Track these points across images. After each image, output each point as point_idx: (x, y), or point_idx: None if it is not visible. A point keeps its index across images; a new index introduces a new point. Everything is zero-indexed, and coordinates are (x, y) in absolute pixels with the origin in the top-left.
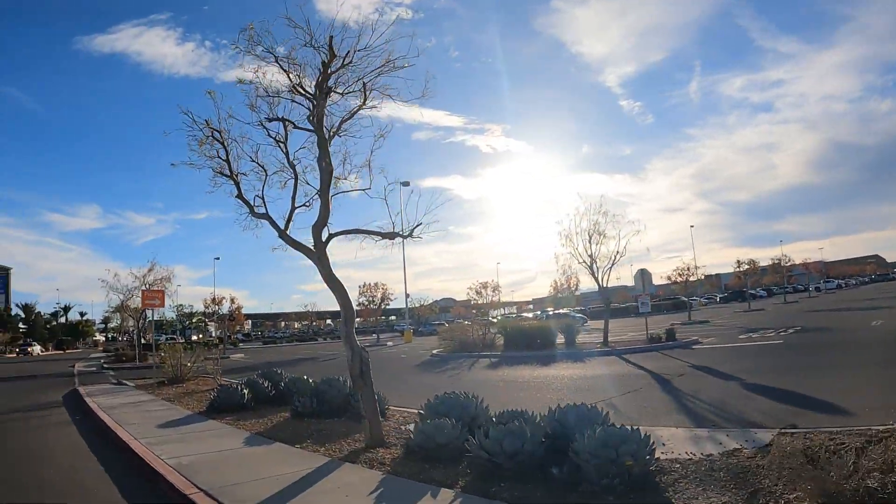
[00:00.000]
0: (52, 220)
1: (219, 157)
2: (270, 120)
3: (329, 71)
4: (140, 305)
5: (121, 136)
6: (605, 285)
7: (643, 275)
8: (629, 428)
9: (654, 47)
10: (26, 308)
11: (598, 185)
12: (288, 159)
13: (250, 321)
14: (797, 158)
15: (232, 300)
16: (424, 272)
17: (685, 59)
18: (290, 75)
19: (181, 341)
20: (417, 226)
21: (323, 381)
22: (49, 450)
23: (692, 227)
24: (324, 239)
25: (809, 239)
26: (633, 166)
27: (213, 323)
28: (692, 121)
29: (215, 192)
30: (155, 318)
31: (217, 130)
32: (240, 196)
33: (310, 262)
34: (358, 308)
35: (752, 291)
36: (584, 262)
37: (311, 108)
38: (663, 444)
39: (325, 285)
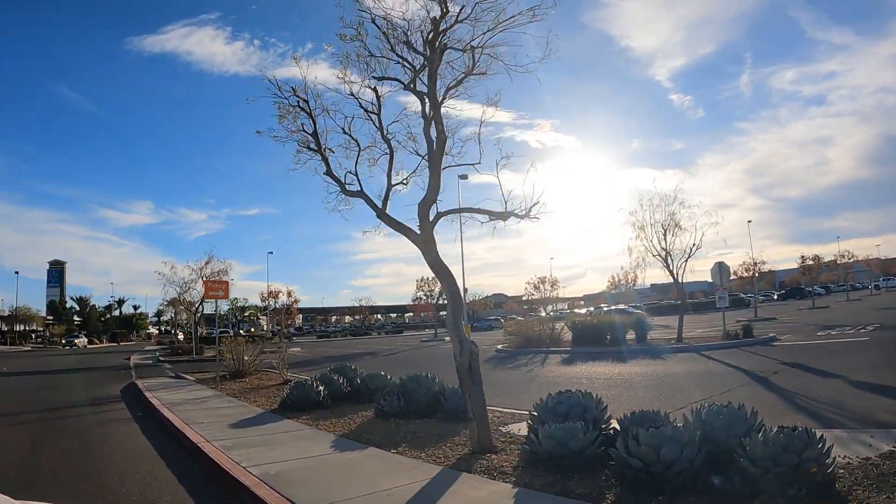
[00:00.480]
0: (106, 216)
1: (304, 130)
2: (380, 79)
3: (440, 28)
4: (200, 297)
5: (173, 134)
6: (681, 280)
7: (721, 268)
8: (804, 430)
9: (704, 40)
10: (81, 301)
11: (649, 180)
12: (382, 132)
13: (300, 315)
14: (851, 153)
15: (289, 293)
16: (475, 268)
17: (736, 52)
18: (391, 37)
19: (238, 335)
20: (534, 204)
21: (409, 378)
22: (110, 451)
23: (749, 222)
24: (431, 219)
25: (863, 236)
26: (683, 161)
27: (264, 317)
28: (744, 114)
29: (293, 172)
30: (210, 312)
31: (304, 99)
32: (329, 173)
33: (361, 255)
34: (415, 303)
35: (810, 289)
36: (659, 254)
37: (414, 71)
38: None
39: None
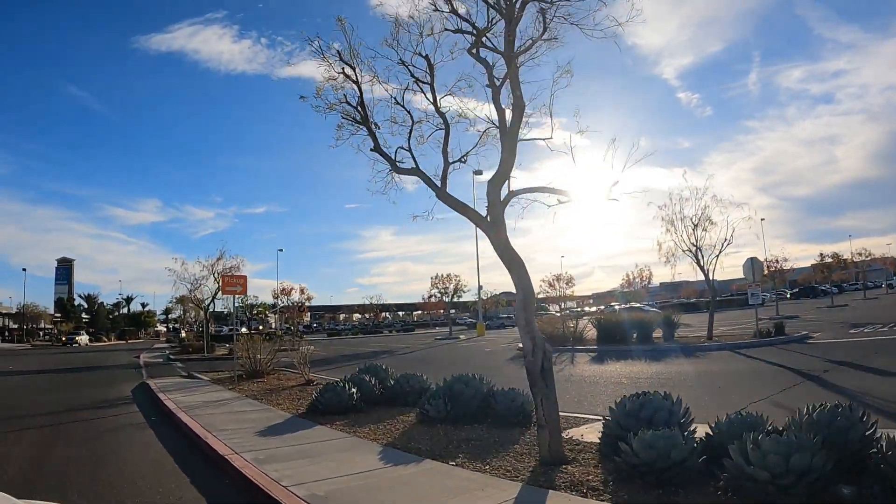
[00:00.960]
0: (114, 214)
1: (347, 102)
2: (456, 31)
3: None
4: (211, 294)
5: (180, 132)
6: (711, 276)
7: (753, 263)
8: None
9: (711, 38)
10: (89, 298)
11: (657, 178)
12: (435, 104)
13: (309, 313)
14: (859, 151)
15: (301, 290)
16: (484, 266)
17: (743, 50)
18: None
19: (249, 332)
20: (615, 184)
21: (455, 379)
22: (124, 463)
23: (763, 219)
24: (502, 198)
25: (872, 235)
26: (691, 160)
27: (272, 314)
28: (751, 113)
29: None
30: (220, 310)
31: (349, 65)
32: (377, 149)
33: (368, 254)
34: (429, 300)
35: (823, 287)
36: (689, 249)
37: (476, 35)
38: None
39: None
